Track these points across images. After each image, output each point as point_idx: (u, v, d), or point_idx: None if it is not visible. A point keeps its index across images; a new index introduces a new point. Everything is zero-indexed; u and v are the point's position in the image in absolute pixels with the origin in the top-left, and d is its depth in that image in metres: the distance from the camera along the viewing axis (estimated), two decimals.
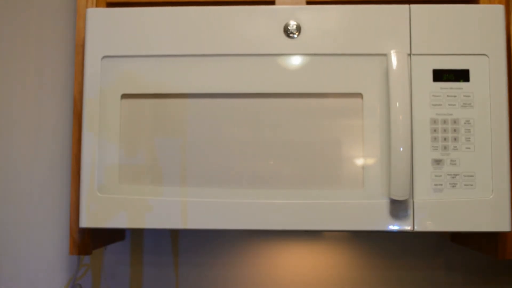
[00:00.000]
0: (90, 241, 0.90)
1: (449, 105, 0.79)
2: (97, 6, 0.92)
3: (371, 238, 1.09)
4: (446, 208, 0.77)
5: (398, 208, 0.77)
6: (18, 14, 1.15)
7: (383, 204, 0.78)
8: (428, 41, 0.80)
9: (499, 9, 0.80)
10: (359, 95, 0.80)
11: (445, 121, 0.79)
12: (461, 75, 0.79)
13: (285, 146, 0.80)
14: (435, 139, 0.78)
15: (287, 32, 0.81)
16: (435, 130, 0.78)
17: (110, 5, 0.95)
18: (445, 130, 0.78)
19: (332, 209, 0.78)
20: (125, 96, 0.82)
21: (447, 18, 0.80)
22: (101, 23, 0.83)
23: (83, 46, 0.88)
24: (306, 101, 0.80)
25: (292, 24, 0.81)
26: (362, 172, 0.79)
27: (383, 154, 0.79)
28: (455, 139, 0.78)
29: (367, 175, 0.79)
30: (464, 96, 0.79)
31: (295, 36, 0.81)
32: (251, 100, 0.81)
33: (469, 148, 0.78)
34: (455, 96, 0.79)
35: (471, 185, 0.78)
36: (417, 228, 0.77)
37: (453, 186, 0.78)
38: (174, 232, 1.11)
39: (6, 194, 1.12)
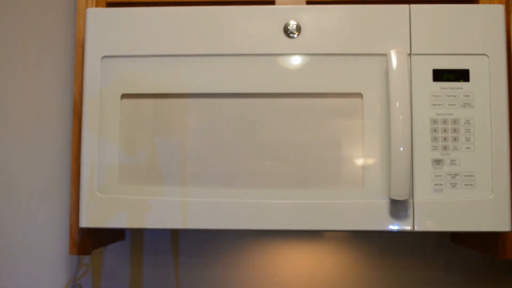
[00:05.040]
0: (90, 241, 0.90)
1: (449, 105, 0.79)
2: (97, 6, 0.92)
3: (371, 238, 1.09)
4: (446, 208, 0.77)
5: (398, 208, 0.77)
6: (18, 14, 1.15)
7: (383, 204, 0.78)
8: (428, 41, 0.80)
9: (499, 9, 0.80)
10: (359, 95, 0.80)
11: (445, 121, 0.79)
12: (461, 75, 0.79)
13: (285, 146, 0.80)
14: (435, 139, 0.78)
15: (287, 32, 0.81)
16: (435, 130, 0.78)
17: (110, 5, 0.95)
18: (445, 130, 0.78)
19: (332, 209, 0.78)
20: (125, 96, 0.82)
21: (447, 18, 0.80)
22: (101, 23, 0.83)
23: (83, 46, 0.88)
24: (306, 101, 0.80)
25: (292, 24, 0.81)
26: (362, 172, 0.79)
27: (383, 154, 0.79)
28: (455, 139, 0.78)
29: (367, 175, 0.79)
30: (464, 96, 0.79)
31: (295, 36, 0.81)
32: (251, 100, 0.81)
33: (469, 148, 0.78)
34: (455, 96, 0.79)
35: (471, 185, 0.78)
36: (417, 228, 0.77)
37: (453, 186, 0.78)
38: (174, 232, 1.11)
39: (6, 194, 1.12)
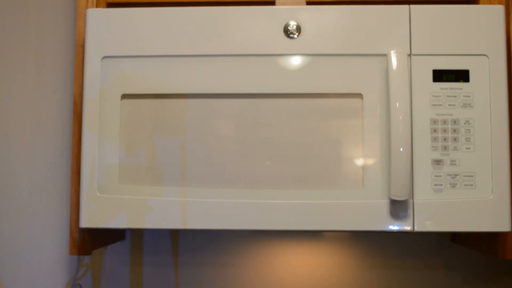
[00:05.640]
0: (90, 241, 0.90)
1: (449, 105, 0.79)
2: (97, 6, 0.92)
3: (371, 238, 1.09)
4: (446, 208, 0.77)
5: (398, 208, 0.77)
6: (18, 14, 1.15)
7: (383, 204, 0.78)
8: (428, 41, 0.80)
9: (499, 9, 0.80)
10: (359, 95, 0.80)
11: (445, 121, 0.79)
12: (461, 75, 0.79)
13: (285, 146, 0.80)
14: (435, 139, 0.78)
15: (287, 32, 0.81)
16: (435, 130, 0.78)
17: (110, 5, 0.95)
18: (445, 130, 0.78)
19: (332, 209, 0.78)
20: (125, 96, 0.82)
21: (447, 18, 0.80)
22: (101, 23, 0.83)
23: (83, 46, 0.88)
24: (306, 101, 0.80)
25: (292, 25, 0.81)
26: (362, 172, 0.79)
27: (383, 154, 0.79)
28: (455, 139, 0.78)
29: (367, 175, 0.79)
30: (464, 96, 0.79)
31: (295, 36, 0.81)
32: (251, 100, 0.81)
33: (469, 148, 0.78)
34: (455, 96, 0.79)
35: (471, 185, 0.78)
36: (417, 228, 0.77)
37: (453, 186, 0.78)
38: (174, 232, 1.11)
39: (6, 194, 1.12)
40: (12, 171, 1.12)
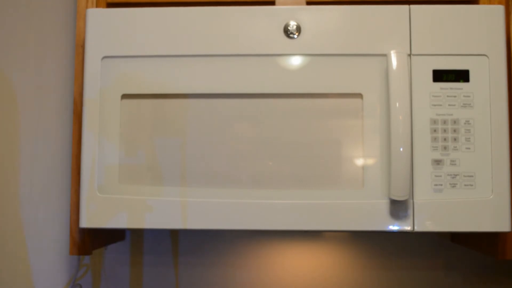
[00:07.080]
0: (90, 241, 0.90)
1: (449, 105, 0.79)
2: (97, 6, 0.92)
3: (371, 238, 1.09)
4: (446, 208, 0.77)
5: (398, 208, 0.77)
6: (18, 14, 1.15)
7: (383, 204, 0.78)
8: (428, 41, 0.80)
9: (499, 9, 0.80)
10: (359, 95, 0.80)
11: (445, 121, 0.79)
12: (461, 76, 0.79)
13: (285, 146, 0.80)
14: (435, 139, 0.78)
15: (287, 32, 0.81)
16: (435, 130, 0.78)
17: (110, 5, 0.95)
18: (445, 130, 0.78)
19: (332, 209, 0.78)
20: (125, 96, 0.82)
21: (447, 18, 0.80)
22: (101, 23, 0.83)
23: (83, 46, 0.88)
24: (306, 101, 0.80)
25: (292, 25, 0.81)
26: (362, 172, 0.79)
27: (383, 154, 0.79)
28: (455, 139, 0.78)
29: (367, 175, 0.79)
30: (464, 96, 0.79)
31: (295, 36, 0.81)
32: (251, 100, 0.81)
33: (469, 148, 0.78)
34: (455, 96, 0.79)
35: (471, 185, 0.78)
36: (417, 228, 0.77)
37: (453, 186, 0.78)
38: (174, 232, 1.11)
39: (6, 194, 1.12)
40: (12, 171, 1.12)
